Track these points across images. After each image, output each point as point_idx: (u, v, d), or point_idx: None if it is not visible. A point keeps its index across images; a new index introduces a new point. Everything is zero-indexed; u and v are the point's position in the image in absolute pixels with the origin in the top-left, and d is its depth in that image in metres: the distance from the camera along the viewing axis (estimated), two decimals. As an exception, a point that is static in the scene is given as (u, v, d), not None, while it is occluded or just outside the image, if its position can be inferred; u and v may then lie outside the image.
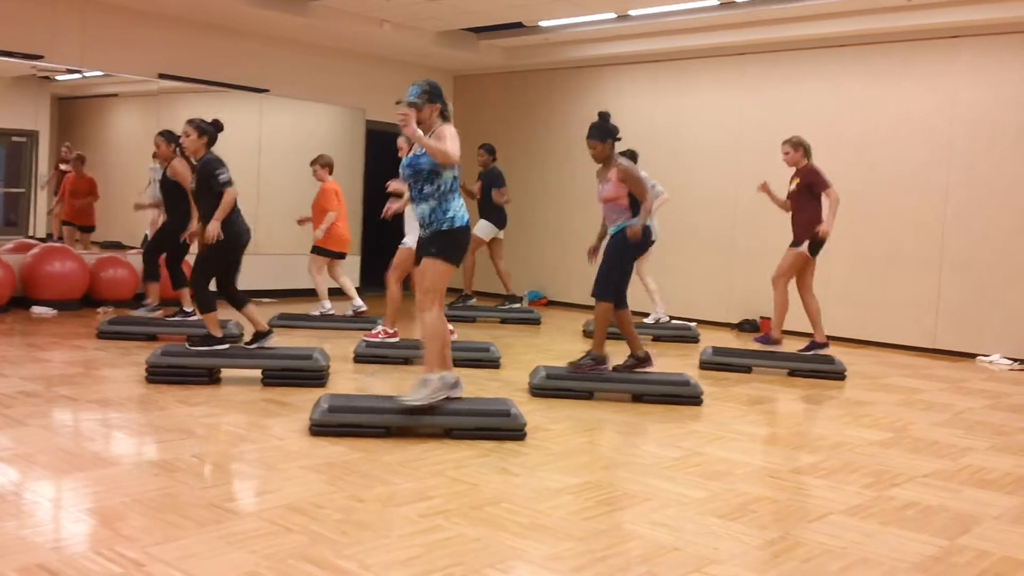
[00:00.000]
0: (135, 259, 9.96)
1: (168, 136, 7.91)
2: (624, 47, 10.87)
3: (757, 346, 7.76)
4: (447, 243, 4.92)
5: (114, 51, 9.84)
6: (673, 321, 9.98)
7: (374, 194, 11.77)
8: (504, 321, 9.88)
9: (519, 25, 10.93)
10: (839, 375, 7.33)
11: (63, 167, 9.93)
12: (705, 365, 7.49)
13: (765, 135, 10.15)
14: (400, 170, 5.10)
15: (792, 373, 7.41)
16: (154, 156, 8.12)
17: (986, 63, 8.79)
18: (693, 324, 9.58)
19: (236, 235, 6.24)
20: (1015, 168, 8.61)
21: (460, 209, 4.97)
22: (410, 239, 7.34)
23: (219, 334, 6.21)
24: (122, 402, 5.36)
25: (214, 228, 6.11)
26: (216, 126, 6.58)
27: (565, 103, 12.08)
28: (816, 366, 7.38)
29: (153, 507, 3.56)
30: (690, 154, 10.73)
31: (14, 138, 9.70)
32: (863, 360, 8.41)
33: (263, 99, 11.15)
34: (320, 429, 4.78)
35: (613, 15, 10.07)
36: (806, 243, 7.38)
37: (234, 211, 6.24)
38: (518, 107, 12.50)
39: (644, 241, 6.11)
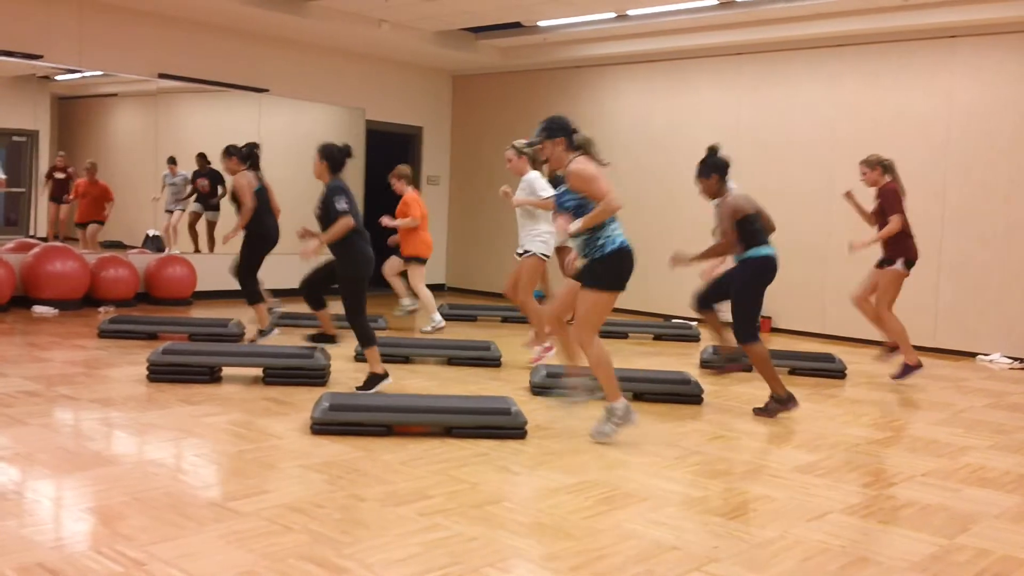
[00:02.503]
0: (136, 258, 9.98)
1: (230, 150, 7.74)
2: (622, 47, 10.87)
3: (905, 381, 7.27)
4: (598, 272, 4.90)
5: (113, 51, 9.85)
6: (674, 320, 9.99)
7: (374, 193, 11.78)
8: (505, 320, 9.89)
9: (517, 25, 10.94)
10: (839, 374, 7.34)
11: (57, 175, 9.95)
12: (706, 364, 7.50)
13: (762, 135, 10.16)
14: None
15: (793, 372, 7.42)
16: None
17: (983, 63, 8.79)
18: (694, 323, 9.58)
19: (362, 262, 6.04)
20: (1012, 167, 8.61)
21: (613, 232, 4.91)
22: (532, 246, 7.21)
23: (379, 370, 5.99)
24: (123, 401, 5.37)
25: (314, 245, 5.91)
26: (344, 152, 6.11)
27: (563, 103, 12.07)
28: (817, 365, 7.39)
29: (153, 506, 3.56)
30: (687, 154, 10.65)
31: (14, 138, 9.71)
32: (863, 359, 8.41)
33: (262, 99, 11.15)
34: (321, 428, 4.79)
35: (611, 15, 10.07)
36: (900, 260, 7.12)
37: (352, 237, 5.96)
38: (516, 107, 12.49)
39: (769, 270, 5.88)
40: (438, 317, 8.73)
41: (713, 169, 6.06)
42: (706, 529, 3.63)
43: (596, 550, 3.33)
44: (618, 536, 3.49)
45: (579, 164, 4.96)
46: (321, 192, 5.99)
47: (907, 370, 7.24)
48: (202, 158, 10.79)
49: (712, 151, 6.13)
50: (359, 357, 7.03)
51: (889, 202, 7.09)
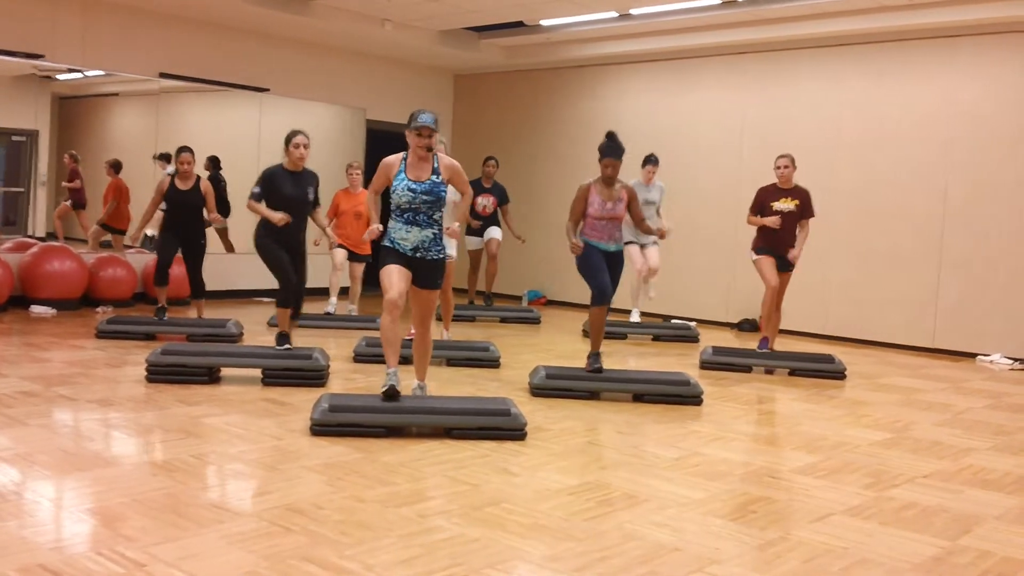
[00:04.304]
0: (134, 258, 9.97)
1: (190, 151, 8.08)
2: (625, 46, 10.86)
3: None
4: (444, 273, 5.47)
5: (115, 50, 9.84)
6: (673, 320, 9.99)
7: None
8: (504, 320, 9.88)
9: (520, 24, 10.93)
10: (839, 375, 7.33)
11: (71, 183, 10.02)
12: (705, 365, 7.48)
13: (766, 134, 10.15)
14: (403, 191, 5.17)
15: (793, 373, 7.41)
16: (178, 172, 7.97)
17: (985, 62, 8.79)
18: (693, 324, 9.58)
19: None
20: (1014, 167, 8.61)
21: None
22: (452, 249, 7.48)
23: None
24: (122, 402, 5.36)
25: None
26: None
27: (566, 102, 12.07)
28: (817, 366, 7.38)
29: (154, 507, 3.55)
30: (691, 153, 10.73)
31: (14, 137, 9.70)
32: (863, 360, 8.41)
33: (263, 98, 11.14)
34: (320, 429, 4.78)
35: (614, 14, 10.06)
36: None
37: None
38: (519, 106, 12.49)
39: None
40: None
41: (624, 153, 6.37)
42: (708, 531, 3.62)
43: (598, 551, 3.32)
44: (620, 537, 3.48)
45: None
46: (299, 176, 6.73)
47: (766, 343, 7.80)
48: (214, 163, 10.72)
49: (616, 136, 6.37)
50: (357, 359, 7.02)
51: (811, 206, 7.59)
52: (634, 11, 9.89)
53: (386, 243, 5.28)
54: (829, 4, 8.92)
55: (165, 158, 10.58)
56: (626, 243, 7.80)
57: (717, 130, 10.62)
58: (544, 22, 10.74)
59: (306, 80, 11.46)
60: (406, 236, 5.18)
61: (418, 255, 5.20)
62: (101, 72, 10.01)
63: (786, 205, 7.51)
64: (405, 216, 5.17)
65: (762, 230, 7.65)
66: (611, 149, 6.22)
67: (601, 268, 6.27)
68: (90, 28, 9.63)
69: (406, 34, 10.83)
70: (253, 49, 10.92)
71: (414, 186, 5.15)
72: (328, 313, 9.13)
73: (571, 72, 11.97)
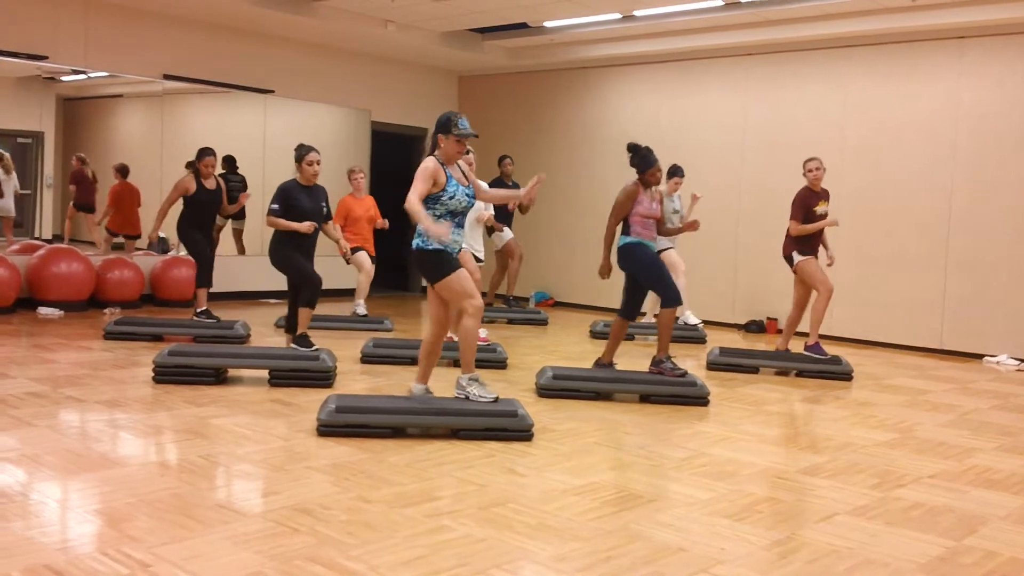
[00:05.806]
0: (141, 260, 9.99)
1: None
2: (629, 48, 10.87)
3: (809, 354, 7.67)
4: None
5: (118, 52, 9.86)
6: (681, 321, 9.98)
7: (378, 195, 11.78)
8: (511, 322, 9.89)
9: (524, 26, 10.94)
10: (846, 376, 7.32)
11: (74, 184, 10.05)
12: (712, 366, 7.48)
13: (769, 136, 10.15)
14: (462, 197, 5.25)
15: (799, 374, 7.40)
16: (202, 174, 8.03)
17: (991, 63, 8.77)
18: (700, 324, 9.57)
19: None
20: (1019, 168, 8.59)
21: None
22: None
23: None
24: (129, 403, 5.37)
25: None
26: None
27: (570, 104, 12.08)
28: (823, 367, 7.37)
29: (160, 508, 3.56)
30: (695, 154, 10.71)
31: (19, 139, 9.73)
32: (869, 361, 8.39)
33: (268, 100, 11.16)
34: (327, 430, 4.78)
35: (618, 15, 10.06)
36: None
37: None
38: (523, 108, 12.50)
39: None
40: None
41: None
42: (713, 531, 3.62)
43: (603, 551, 3.32)
44: (625, 537, 3.48)
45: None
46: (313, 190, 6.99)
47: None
48: (230, 162, 10.76)
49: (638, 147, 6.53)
50: (364, 360, 7.03)
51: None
52: (637, 12, 9.89)
53: (439, 247, 5.20)
54: (833, 5, 8.91)
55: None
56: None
57: (720, 131, 10.61)
58: (547, 23, 10.75)
59: (311, 82, 11.48)
60: (456, 239, 5.30)
61: (455, 255, 5.33)
62: (105, 74, 10.03)
63: (824, 208, 7.44)
64: (457, 220, 5.30)
65: (801, 236, 7.39)
66: (654, 157, 6.43)
67: (666, 268, 6.54)
68: (92, 29, 9.65)
69: (409, 35, 10.84)
70: (257, 51, 10.94)
71: (468, 191, 5.33)
72: (358, 314, 9.14)
73: (574, 73, 11.97)
